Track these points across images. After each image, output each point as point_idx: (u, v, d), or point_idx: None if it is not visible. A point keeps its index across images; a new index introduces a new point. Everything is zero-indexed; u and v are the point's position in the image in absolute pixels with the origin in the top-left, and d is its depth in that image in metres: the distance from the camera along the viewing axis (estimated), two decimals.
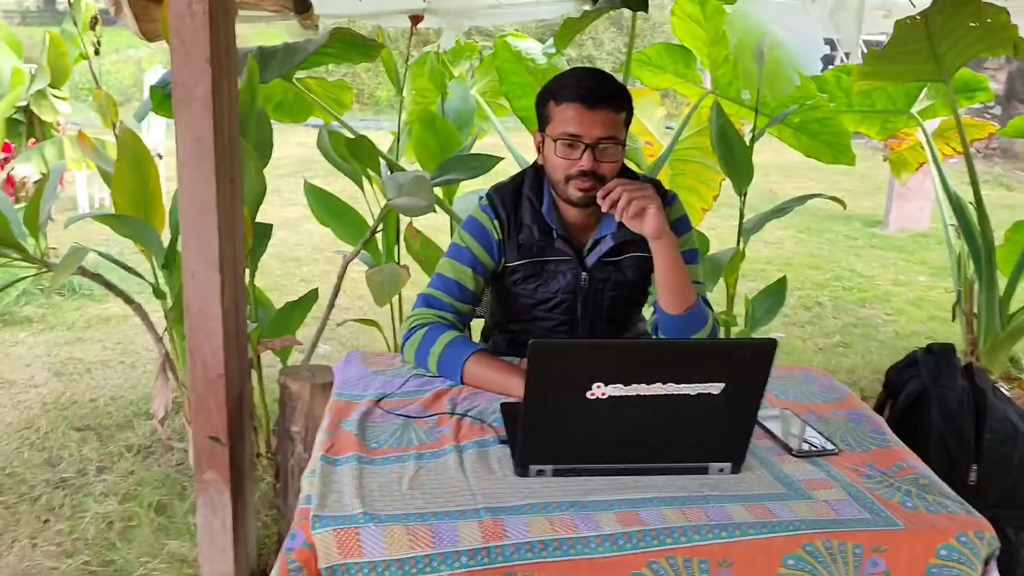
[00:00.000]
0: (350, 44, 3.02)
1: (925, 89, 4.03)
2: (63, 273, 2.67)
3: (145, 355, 4.05)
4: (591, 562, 1.29)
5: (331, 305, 3.18)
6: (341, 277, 3.16)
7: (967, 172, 3.62)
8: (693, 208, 4.13)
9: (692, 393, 1.40)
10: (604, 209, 1.76)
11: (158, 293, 2.87)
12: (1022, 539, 1.94)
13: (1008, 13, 3.00)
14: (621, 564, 1.30)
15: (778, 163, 8.03)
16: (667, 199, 2.01)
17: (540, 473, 1.45)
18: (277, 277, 5.16)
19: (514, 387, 1.73)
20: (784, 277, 3.58)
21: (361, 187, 3.23)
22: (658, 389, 1.39)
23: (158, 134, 7.51)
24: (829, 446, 1.58)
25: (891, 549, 1.35)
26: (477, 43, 3.89)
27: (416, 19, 3.12)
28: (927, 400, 2.00)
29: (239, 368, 2.20)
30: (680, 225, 1.98)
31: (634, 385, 1.38)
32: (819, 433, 1.63)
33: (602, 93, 1.82)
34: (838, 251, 6.02)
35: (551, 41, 3.43)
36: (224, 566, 2.26)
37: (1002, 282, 3.82)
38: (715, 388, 1.40)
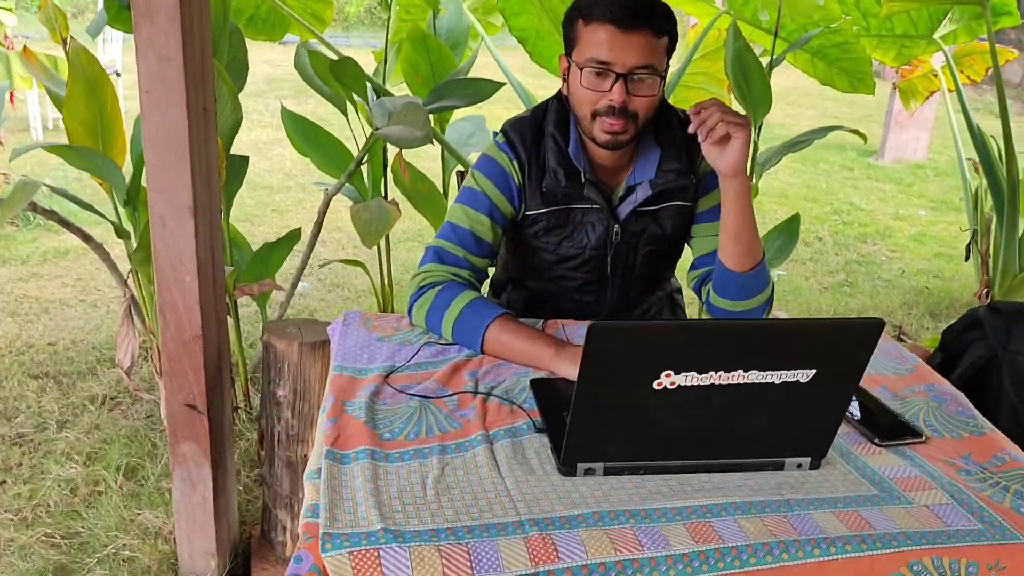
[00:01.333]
0: None
1: (950, 13, 3.75)
2: (10, 209, 2.36)
3: (108, 292, 3.75)
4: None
5: (312, 245, 2.90)
6: (323, 214, 2.87)
7: (997, 106, 3.38)
8: None
9: (777, 382, 1.17)
10: (691, 129, 1.49)
11: (121, 232, 2.57)
12: None
13: None
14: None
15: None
16: None
17: (589, 472, 1.22)
18: (248, 207, 4.83)
19: (545, 359, 1.49)
20: (797, 215, 3.36)
21: (345, 113, 2.92)
22: (739, 378, 1.15)
23: (115, 49, 7.05)
24: (914, 432, 1.37)
25: (1010, 567, 1.14)
26: None
27: None
28: (996, 366, 1.80)
29: (217, 325, 1.93)
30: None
31: (711, 374, 1.14)
32: (900, 416, 1.41)
33: (640, 12, 1.53)
34: (834, 183, 5.80)
35: None
36: (204, 542, 2.03)
37: (1021, 222, 3.62)
38: (805, 375, 1.17)
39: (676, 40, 1.62)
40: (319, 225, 2.87)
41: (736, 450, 1.25)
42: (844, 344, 1.18)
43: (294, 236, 2.72)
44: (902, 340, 3.52)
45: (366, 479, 1.18)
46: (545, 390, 1.42)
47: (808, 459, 1.27)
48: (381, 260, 3.28)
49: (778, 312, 3.39)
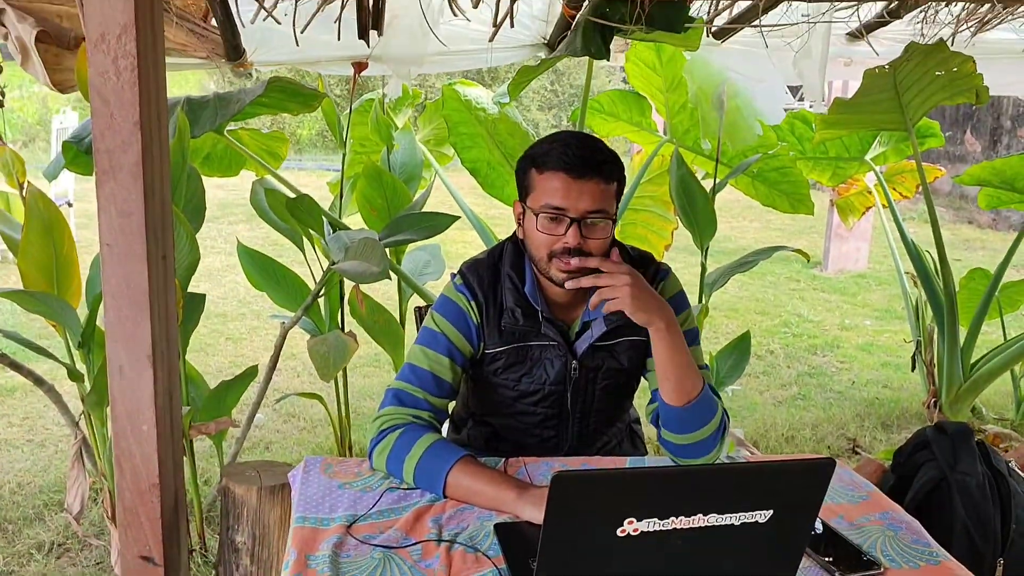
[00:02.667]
0: (288, 93, 2.76)
1: (879, 137, 3.97)
2: None
3: (56, 431, 3.66)
4: None
5: (268, 379, 2.89)
6: (279, 348, 2.87)
7: (928, 217, 3.55)
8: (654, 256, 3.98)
9: (737, 523, 1.19)
10: (569, 286, 1.58)
11: (74, 375, 2.54)
12: None
13: (974, 61, 2.93)
14: None
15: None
16: (659, 274, 1.82)
17: None
18: (201, 337, 4.80)
19: (508, 502, 1.49)
20: (747, 333, 3.44)
21: (301, 248, 2.96)
22: (699, 521, 1.17)
23: (67, 179, 7.07)
24: (873, 564, 1.39)
25: None
26: (420, 90, 3.67)
27: (360, 67, 2.88)
28: (947, 488, 1.84)
29: (174, 471, 1.90)
30: (679, 303, 1.78)
31: (671, 518, 1.16)
32: (859, 546, 1.44)
33: (590, 161, 1.60)
34: (782, 295, 5.95)
35: (503, 89, 3.23)
36: None
37: (961, 331, 3.75)
38: (763, 516, 1.19)
39: (624, 184, 1.70)
40: (275, 359, 2.86)
41: None
42: (799, 484, 1.21)
43: (251, 373, 2.72)
44: (857, 453, 3.57)
45: None
46: (510, 535, 1.42)
47: None
48: (338, 389, 3.27)
49: (735, 430, 3.43)
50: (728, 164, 3.58)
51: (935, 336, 3.79)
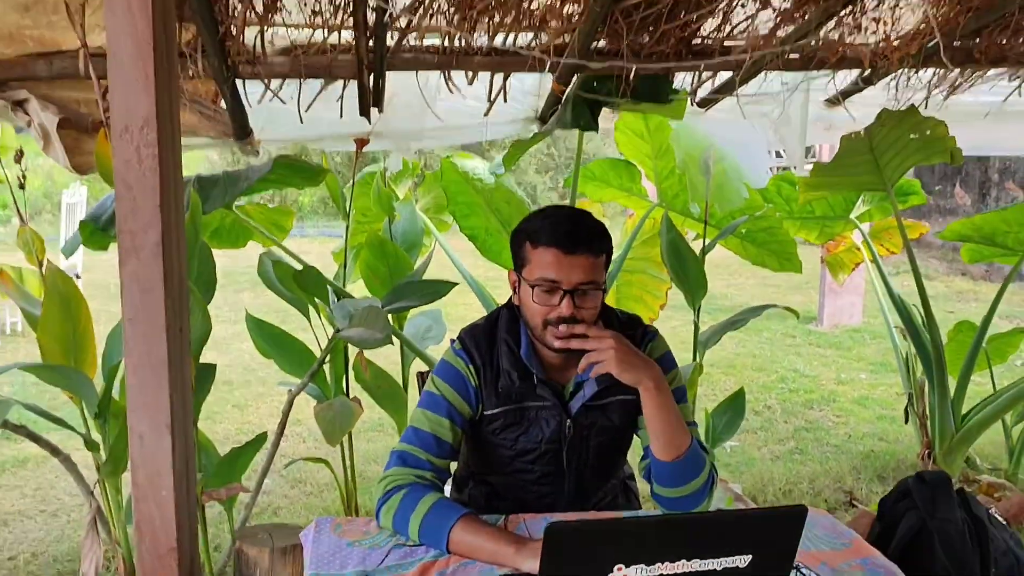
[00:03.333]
0: (293, 170, 2.91)
1: (862, 195, 4.11)
2: None
3: (68, 501, 3.73)
4: None
5: (276, 444, 2.98)
6: (286, 414, 2.97)
7: (911, 273, 3.68)
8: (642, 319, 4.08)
9: (719, 568, 1.28)
10: (558, 346, 1.71)
11: (90, 445, 2.63)
12: None
13: (946, 125, 3.08)
14: None
15: (708, 258, 8.16)
16: (647, 336, 1.93)
17: None
18: (208, 405, 4.85)
19: (508, 556, 1.58)
20: (741, 390, 3.52)
21: (307, 316, 3.08)
22: (684, 567, 1.27)
23: (77, 252, 7.21)
24: None
25: None
26: (419, 162, 3.83)
27: (361, 143, 3.03)
28: (928, 535, 1.92)
29: (190, 535, 1.99)
30: (667, 363, 1.89)
31: (658, 564, 1.26)
32: None
33: (581, 237, 1.73)
34: (778, 350, 6.05)
35: (499, 160, 3.38)
36: None
37: (951, 382, 3.84)
38: (743, 560, 1.29)
39: (611, 254, 1.82)
40: (283, 425, 2.95)
41: None
42: (775, 530, 1.31)
43: (260, 439, 2.81)
44: (854, 506, 3.63)
45: None
46: None
47: None
48: (344, 454, 3.36)
49: (733, 485, 3.50)
50: (717, 226, 3.72)
51: (926, 388, 3.88)
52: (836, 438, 4.41)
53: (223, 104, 2.84)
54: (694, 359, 3.48)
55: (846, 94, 3.39)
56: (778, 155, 4.04)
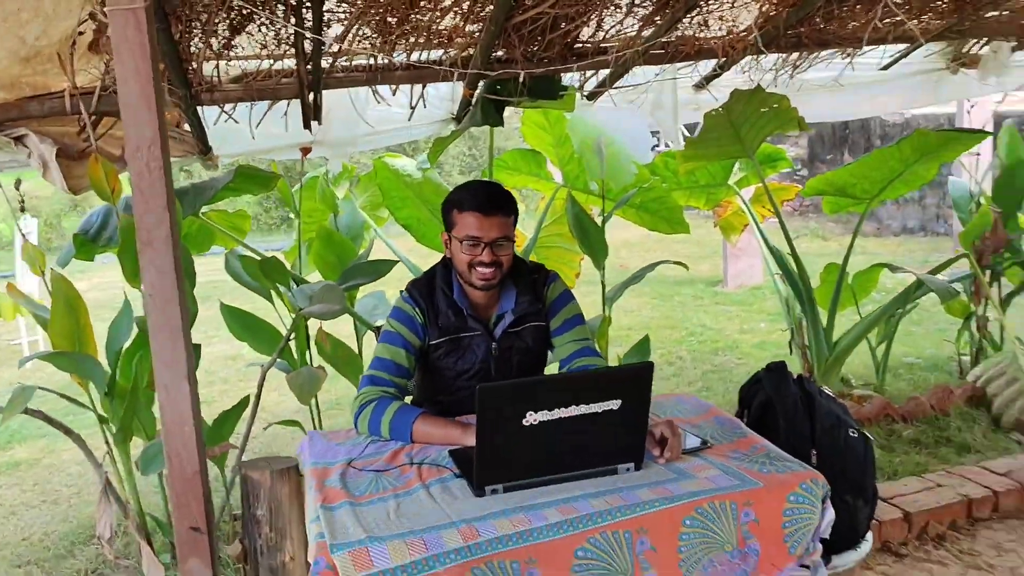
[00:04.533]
0: (251, 178, 3.43)
1: (737, 163, 4.78)
2: (10, 413, 2.91)
3: (66, 491, 4.18)
4: (547, 544, 1.72)
5: (254, 410, 3.49)
6: (261, 384, 3.49)
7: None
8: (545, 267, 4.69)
9: (599, 410, 1.88)
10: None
11: (101, 420, 3.12)
12: (858, 504, 2.48)
13: (788, 99, 3.74)
14: (567, 543, 1.74)
15: (625, 239, 8.84)
16: (549, 279, 2.52)
17: (494, 492, 1.88)
18: None
19: (457, 436, 2.16)
20: (646, 336, 4.15)
21: (271, 301, 3.60)
22: (574, 411, 1.86)
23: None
24: (704, 442, 2.09)
25: (756, 502, 1.85)
26: (355, 165, 4.37)
27: (305, 151, 3.57)
28: (772, 407, 2.54)
29: (203, 467, 2.52)
30: (565, 297, 2.49)
31: (557, 410, 1.85)
32: (697, 435, 2.14)
33: (496, 203, 2.32)
34: (688, 311, 6.75)
35: (423, 157, 3.95)
36: None
37: (824, 316, 4.53)
38: (615, 404, 1.89)
39: (518, 215, 2.40)
40: (259, 394, 3.48)
41: (586, 462, 1.93)
42: (635, 381, 1.91)
43: (244, 403, 3.33)
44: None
45: (350, 516, 1.82)
46: (460, 455, 2.08)
47: (632, 463, 1.96)
48: (313, 420, 3.89)
49: None
50: (614, 200, 4.34)
51: (804, 323, 4.57)
52: (738, 376, 5.07)
53: (187, 127, 3.36)
54: (603, 312, 4.10)
55: (708, 79, 4.06)
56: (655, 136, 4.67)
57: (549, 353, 2.56)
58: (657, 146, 5.35)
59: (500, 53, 3.32)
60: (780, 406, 2.55)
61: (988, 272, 4.54)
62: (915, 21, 3.77)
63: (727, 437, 2.15)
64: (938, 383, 4.38)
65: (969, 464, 3.51)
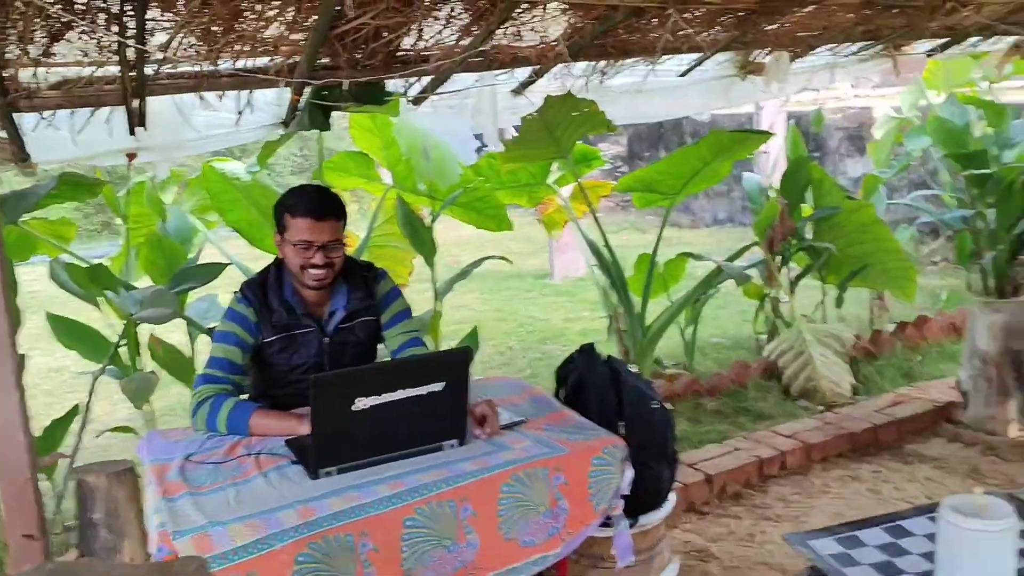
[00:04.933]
0: (75, 185, 3.41)
1: (556, 164, 5.09)
2: None
3: None
4: (377, 517, 1.90)
5: (85, 419, 3.48)
6: (91, 392, 3.48)
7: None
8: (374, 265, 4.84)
9: (424, 393, 2.07)
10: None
11: None
12: (661, 468, 2.79)
13: (596, 103, 4.05)
14: (396, 514, 1.92)
15: (460, 237, 9.07)
16: (378, 276, 2.68)
17: (328, 474, 2.04)
18: None
19: (293, 426, 2.29)
20: (475, 328, 4.38)
21: (98, 307, 3.58)
22: (401, 394, 2.04)
23: None
24: (520, 419, 2.32)
25: (565, 466, 2.10)
26: (184, 169, 4.36)
27: (131, 156, 3.56)
28: (583, 385, 2.82)
29: (35, 472, 2.53)
30: (393, 293, 2.65)
31: (385, 394, 2.03)
32: (514, 413, 2.37)
33: (326, 208, 2.45)
34: (518, 304, 7.06)
35: (253, 160, 4.01)
36: None
37: (638, 303, 4.91)
38: (438, 387, 2.08)
39: (347, 218, 2.55)
40: (89, 402, 3.46)
41: (414, 441, 2.12)
42: (455, 365, 2.12)
43: (74, 411, 3.31)
44: None
45: (192, 505, 1.93)
46: (296, 443, 2.22)
47: (456, 440, 2.17)
48: (145, 425, 3.88)
49: None
50: (441, 200, 4.54)
51: (619, 310, 4.93)
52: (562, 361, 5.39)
53: (2, 134, 3.30)
54: (435, 307, 4.30)
55: (525, 85, 4.33)
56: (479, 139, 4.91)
57: (382, 346, 2.73)
58: (483, 148, 5.60)
59: (326, 60, 3.45)
60: (591, 384, 2.82)
61: (779, 258, 5.06)
62: (705, 34, 4.19)
63: (541, 412, 2.40)
64: (739, 360, 4.84)
65: (763, 430, 3.93)
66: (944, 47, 5.18)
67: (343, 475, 2.04)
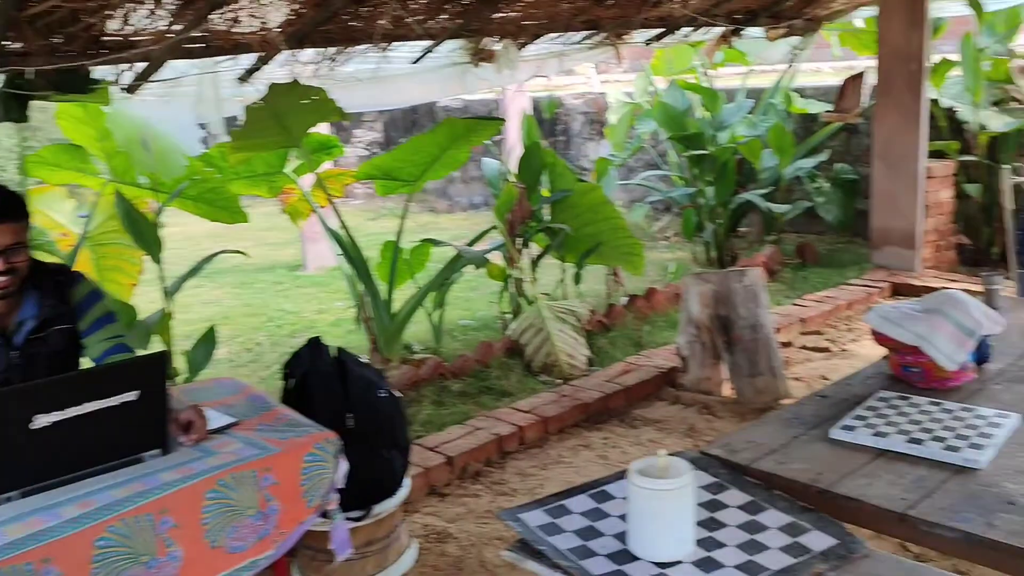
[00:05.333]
0: None
1: (294, 152, 4.97)
2: None
3: None
4: (62, 541, 1.77)
5: None
6: None
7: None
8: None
9: (117, 403, 1.95)
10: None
11: None
12: (393, 455, 2.81)
13: (325, 91, 3.99)
14: (85, 536, 1.79)
15: (211, 230, 8.64)
16: (75, 280, 2.49)
17: (9, 500, 1.88)
18: None
19: None
20: (212, 327, 4.21)
21: None
22: (89, 407, 1.92)
23: None
24: (233, 420, 2.25)
25: (275, 466, 2.06)
26: None
27: None
28: (309, 379, 2.78)
29: None
30: (93, 297, 2.47)
31: (71, 408, 1.89)
32: (226, 415, 2.29)
33: (4, 209, 2.24)
34: (269, 297, 6.85)
35: None
36: None
37: (384, 290, 4.91)
38: (132, 396, 1.97)
39: (30, 218, 2.34)
40: None
41: (110, 454, 1.99)
42: (150, 371, 2.02)
43: None
44: None
45: None
46: None
47: (159, 450, 2.06)
48: None
49: None
50: (168, 192, 4.31)
51: (366, 298, 4.91)
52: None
53: None
54: (164, 307, 4.08)
55: (250, 72, 4.18)
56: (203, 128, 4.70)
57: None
58: (209, 137, 5.36)
59: (17, 46, 3.16)
60: (316, 377, 2.79)
61: (519, 239, 5.23)
62: (432, 22, 4.23)
63: (256, 412, 2.34)
64: (485, 340, 4.96)
65: (504, 407, 4.06)
66: (659, 36, 5.57)
67: (27, 499, 1.88)
